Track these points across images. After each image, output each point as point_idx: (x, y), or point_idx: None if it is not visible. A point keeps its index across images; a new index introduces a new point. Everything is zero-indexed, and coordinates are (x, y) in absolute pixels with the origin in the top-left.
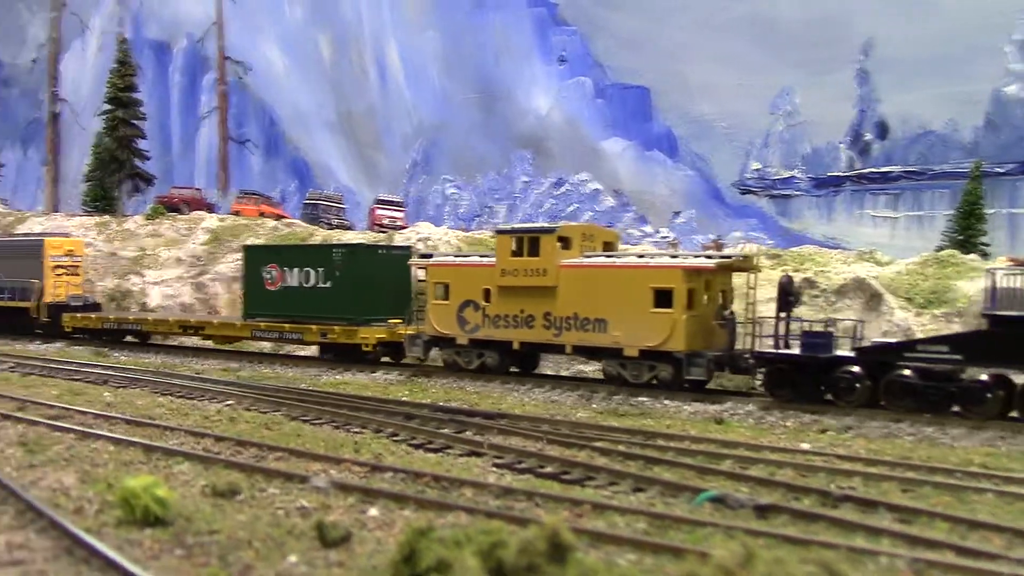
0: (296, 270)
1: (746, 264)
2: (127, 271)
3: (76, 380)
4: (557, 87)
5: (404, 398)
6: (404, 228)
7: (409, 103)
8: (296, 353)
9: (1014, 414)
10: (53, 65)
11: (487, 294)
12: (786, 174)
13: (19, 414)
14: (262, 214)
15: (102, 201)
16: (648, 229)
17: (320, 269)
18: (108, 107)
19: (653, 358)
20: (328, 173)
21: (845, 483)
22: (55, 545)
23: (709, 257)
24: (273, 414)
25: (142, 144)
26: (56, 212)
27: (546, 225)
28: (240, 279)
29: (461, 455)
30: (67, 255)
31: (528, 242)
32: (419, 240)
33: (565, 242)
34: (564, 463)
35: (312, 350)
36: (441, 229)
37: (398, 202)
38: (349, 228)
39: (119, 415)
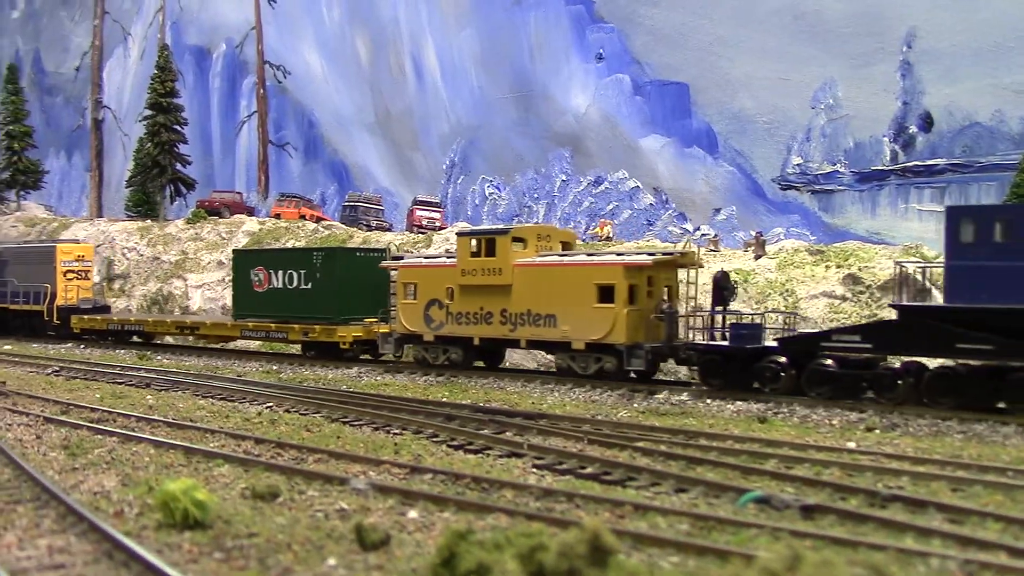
0: (281, 272)
1: (687, 260)
2: (169, 275)
3: (119, 383)
4: (595, 85)
5: (444, 399)
6: (443, 229)
7: (447, 103)
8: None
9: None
10: (96, 72)
11: (450, 293)
12: (828, 169)
13: (63, 417)
14: (302, 216)
15: (144, 206)
16: (688, 226)
17: (302, 271)
18: (149, 113)
19: (599, 350)
20: (367, 175)
21: (893, 483)
22: (95, 549)
23: (651, 254)
24: (313, 416)
25: (183, 149)
26: (100, 217)
27: (501, 227)
28: (231, 282)
29: (501, 456)
30: (77, 260)
31: (485, 243)
32: None
33: (520, 242)
34: (605, 464)
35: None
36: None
37: (436, 203)
38: (388, 229)
39: (160, 418)
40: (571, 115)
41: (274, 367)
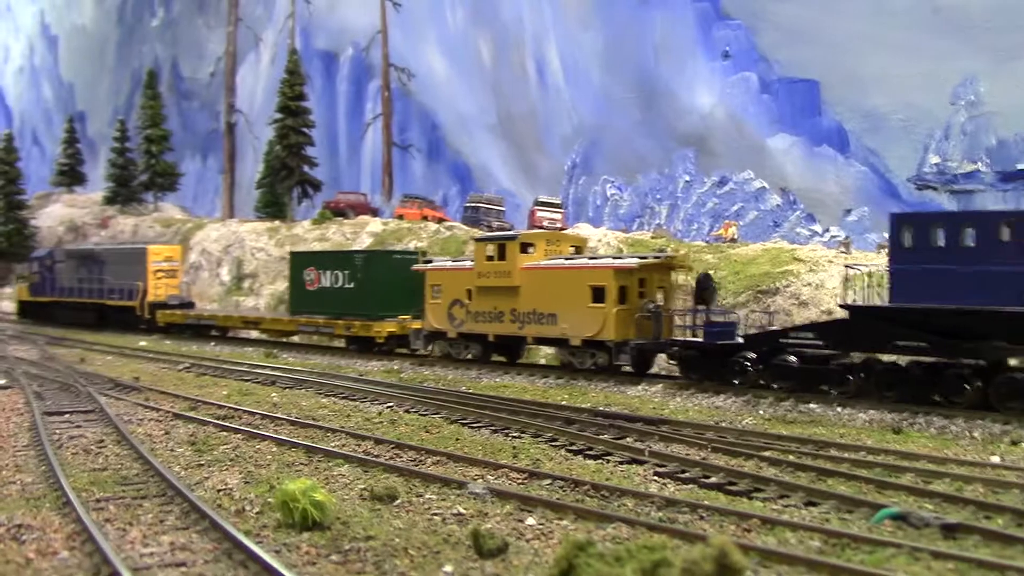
0: (329, 273)
1: (677, 262)
2: None
3: (246, 380)
4: (720, 83)
5: (563, 402)
6: (564, 230)
7: (569, 103)
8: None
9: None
10: (229, 77)
11: (469, 294)
12: (969, 168)
13: (191, 413)
14: (425, 218)
15: (273, 207)
16: (817, 228)
17: (346, 272)
18: (279, 116)
19: (593, 346)
20: (488, 176)
21: None
22: (215, 547)
23: (642, 257)
24: (433, 417)
25: (310, 151)
26: (231, 218)
27: (511, 233)
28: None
29: (621, 462)
30: (166, 260)
31: (497, 248)
32: None
33: (527, 247)
34: (730, 473)
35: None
36: (601, 230)
37: (557, 204)
38: (509, 230)
39: (284, 416)
40: (696, 114)
41: (395, 367)
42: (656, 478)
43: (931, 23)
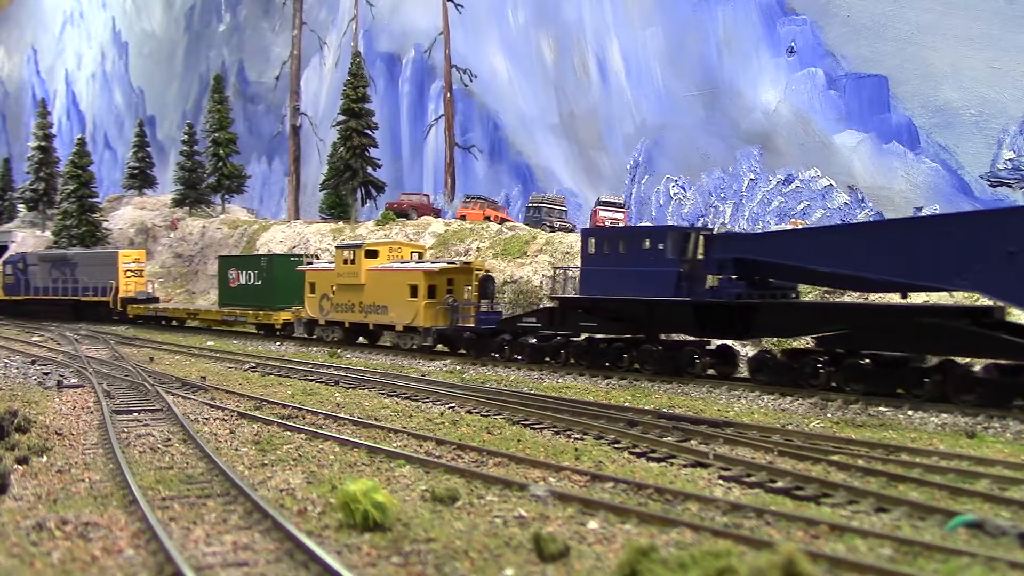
0: (244, 272)
1: (476, 266)
2: None
3: (310, 380)
4: (786, 80)
5: (626, 403)
6: None
7: (631, 102)
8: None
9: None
10: (294, 80)
11: (333, 290)
12: None
13: (255, 413)
14: (487, 218)
15: (337, 208)
16: None
17: (255, 271)
18: (342, 118)
19: (411, 331)
20: (550, 176)
21: None
22: (277, 547)
23: (451, 263)
24: (494, 417)
25: (374, 152)
26: (296, 220)
27: (358, 242)
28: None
29: (685, 465)
30: (134, 262)
31: (349, 253)
32: None
33: (372, 253)
34: (797, 477)
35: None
36: None
37: (620, 203)
38: (571, 230)
39: (347, 416)
40: (760, 112)
41: (457, 367)
42: (721, 482)
43: (1004, 14)
